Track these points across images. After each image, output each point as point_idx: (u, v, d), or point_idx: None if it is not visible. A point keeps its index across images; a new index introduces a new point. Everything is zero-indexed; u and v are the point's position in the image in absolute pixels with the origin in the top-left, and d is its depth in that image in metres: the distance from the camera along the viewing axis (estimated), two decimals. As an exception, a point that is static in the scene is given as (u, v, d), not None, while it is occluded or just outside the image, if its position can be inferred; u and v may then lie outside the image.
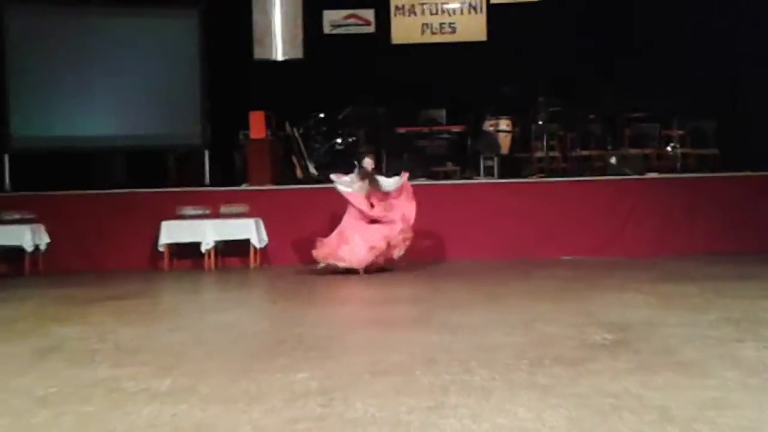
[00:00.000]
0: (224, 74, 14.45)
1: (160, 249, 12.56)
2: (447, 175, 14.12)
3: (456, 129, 14.68)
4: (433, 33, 15.22)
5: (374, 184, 11.37)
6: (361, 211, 11.29)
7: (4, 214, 12.81)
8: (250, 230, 12.52)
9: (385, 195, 11.40)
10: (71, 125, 14.26)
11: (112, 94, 14.34)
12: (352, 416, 4.44)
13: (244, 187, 13.64)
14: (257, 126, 13.84)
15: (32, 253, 12.53)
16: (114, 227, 13.03)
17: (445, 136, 14.64)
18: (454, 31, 15.16)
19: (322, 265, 11.20)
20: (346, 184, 11.46)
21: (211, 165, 14.53)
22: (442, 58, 14.82)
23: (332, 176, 11.63)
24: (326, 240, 11.24)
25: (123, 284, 10.90)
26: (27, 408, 4.79)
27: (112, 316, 8.21)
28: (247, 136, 14.06)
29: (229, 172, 14.45)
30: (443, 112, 14.91)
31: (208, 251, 12.45)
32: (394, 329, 7.03)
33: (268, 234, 12.80)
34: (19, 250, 12.50)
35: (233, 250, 12.78)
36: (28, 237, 12.40)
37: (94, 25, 14.47)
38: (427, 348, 6.12)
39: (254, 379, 5.33)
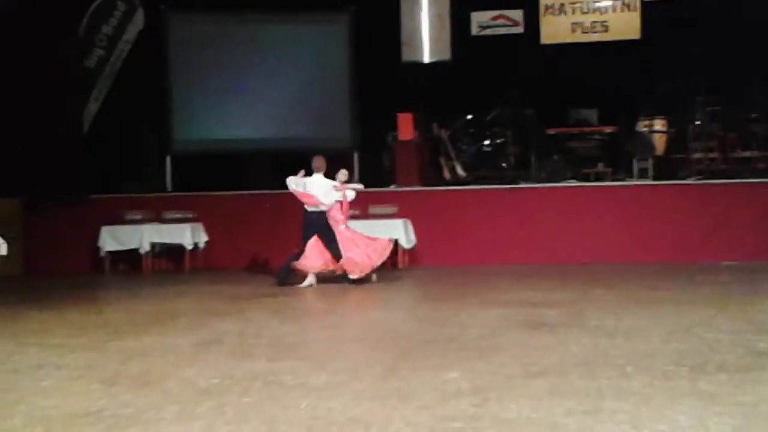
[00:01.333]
0: (373, 77, 14.63)
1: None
2: (598, 177, 13.81)
3: (608, 129, 14.33)
4: (584, 32, 14.91)
5: None
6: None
7: (167, 213, 13.45)
8: (398, 231, 12.62)
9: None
10: (227, 129, 14.81)
11: (265, 99, 14.81)
12: (507, 417, 4.39)
13: (392, 188, 13.78)
14: (405, 128, 13.96)
15: (192, 250, 13.09)
16: (267, 227, 13.42)
17: (597, 136, 14.31)
18: (606, 29, 14.80)
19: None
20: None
21: (360, 166, 14.75)
22: (593, 57, 14.50)
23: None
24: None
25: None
26: (192, 398, 4.99)
27: (267, 312, 8.47)
28: (395, 137, 14.21)
29: (378, 174, 14.61)
30: (594, 113, 14.58)
31: (358, 251, 12.61)
32: (544, 331, 6.92)
33: (417, 235, 12.87)
34: (180, 248, 13.10)
35: (382, 250, 12.90)
36: (189, 235, 12.98)
37: (249, 32, 14.99)
38: (582, 351, 6.00)
39: (405, 377, 5.36)
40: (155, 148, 14.86)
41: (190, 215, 13.36)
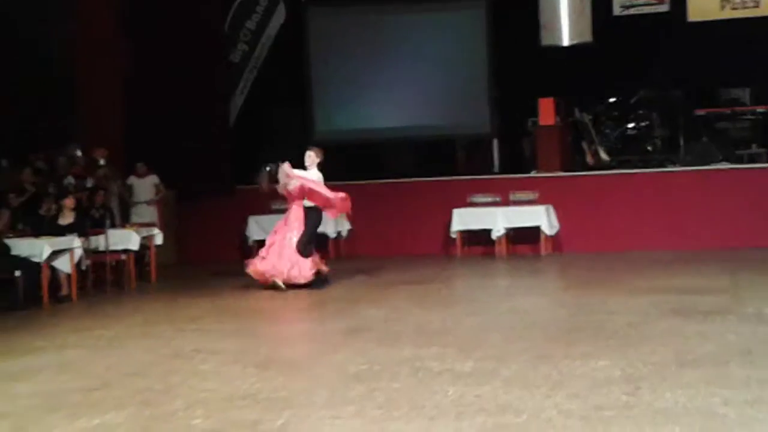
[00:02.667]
0: (512, 61, 14.44)
1: (452, 236, 12.86)
2: (752, 159, 13.17)
3: (761, 109, 13.64)
4: (733, 8, 14.24)
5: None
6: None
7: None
8: (540, 217, 12.46)
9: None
10: (367, 118, 14.95)
11: (404, 87, 14.85)
12: (661, 406, 4.28)
13: (533, 174, 13.60)
14: (546, 112, 13.71)
15: (335, 238, 13.35)
16: (408, 215, 13.52)
17: (750, 116, 13.64)
18: (756, 4, 14.09)
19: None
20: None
21: (500, 152, 14.62)
22: (744, 34, 13.82)
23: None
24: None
25: (418, 269, 11.28)
26: (342, 383, 5.10)
27: (412, 300, 8.53)
28: (535, 123, 13.98)
29: (518, 160, 14.44)
30: (747, 92, 13.90)
31: (499, 238, 12.57)
32: (697, 319, 6.68)
33: (559, 221, 12.68)
34: (323, 236, 13.36)
35: (524, 237, 12.77)
36: (332, 224, 13.20)
37: (387, 20, 15.08)
38: (739, 339, 5.76)
39: (555, 364, 5.30)
40: (298, 138, 15.17)
41: (333, 204, 13.60)
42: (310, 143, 15.02)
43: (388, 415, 4.37)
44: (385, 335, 6.61)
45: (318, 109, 15.18)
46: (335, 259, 13.28)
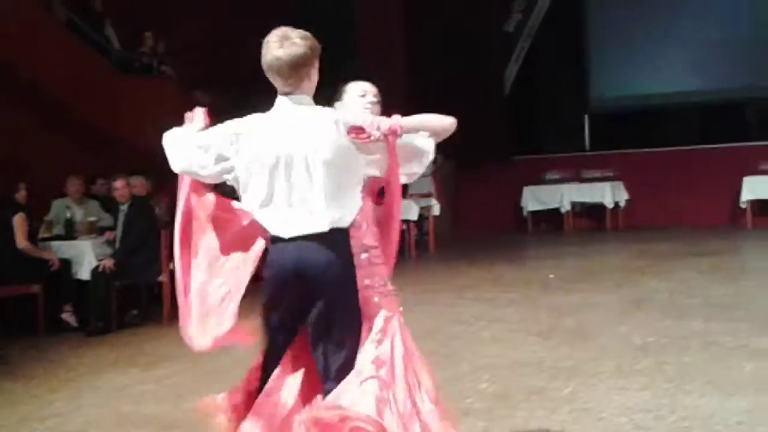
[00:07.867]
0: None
1: (742, 206, 12.09)
2: None
3: None
4: None
5: None
6: None
7: (585, 172, 13.50)
8: None
9: None
10: (646, 84, 14.31)
11: (684, 48, 14.00)
12: None
13: None
14: None
15: (612, 209, 13.01)
16: (692, 183, 12.85)
17: None
18: None
19: None
20: None
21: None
22: None
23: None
24: None
25: (704, 240, 10.69)
26: (629, 354, 4.98)
27: (698, 272, 8.12)
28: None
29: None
30: None
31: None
32: None
33: None
34: (600, 207, 13.09)
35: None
36: (609, 194, 12.90)
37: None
38: None
39: None
40: (573, 107, 14.88)
41: (610, 174, 13.29)
42: (586, 111, 14.72)
43: (680, 389, 4.22)
44: (670, 308, 6.36)
45: (594, 76, 14.77)
46: (612, 229, 12.98)
